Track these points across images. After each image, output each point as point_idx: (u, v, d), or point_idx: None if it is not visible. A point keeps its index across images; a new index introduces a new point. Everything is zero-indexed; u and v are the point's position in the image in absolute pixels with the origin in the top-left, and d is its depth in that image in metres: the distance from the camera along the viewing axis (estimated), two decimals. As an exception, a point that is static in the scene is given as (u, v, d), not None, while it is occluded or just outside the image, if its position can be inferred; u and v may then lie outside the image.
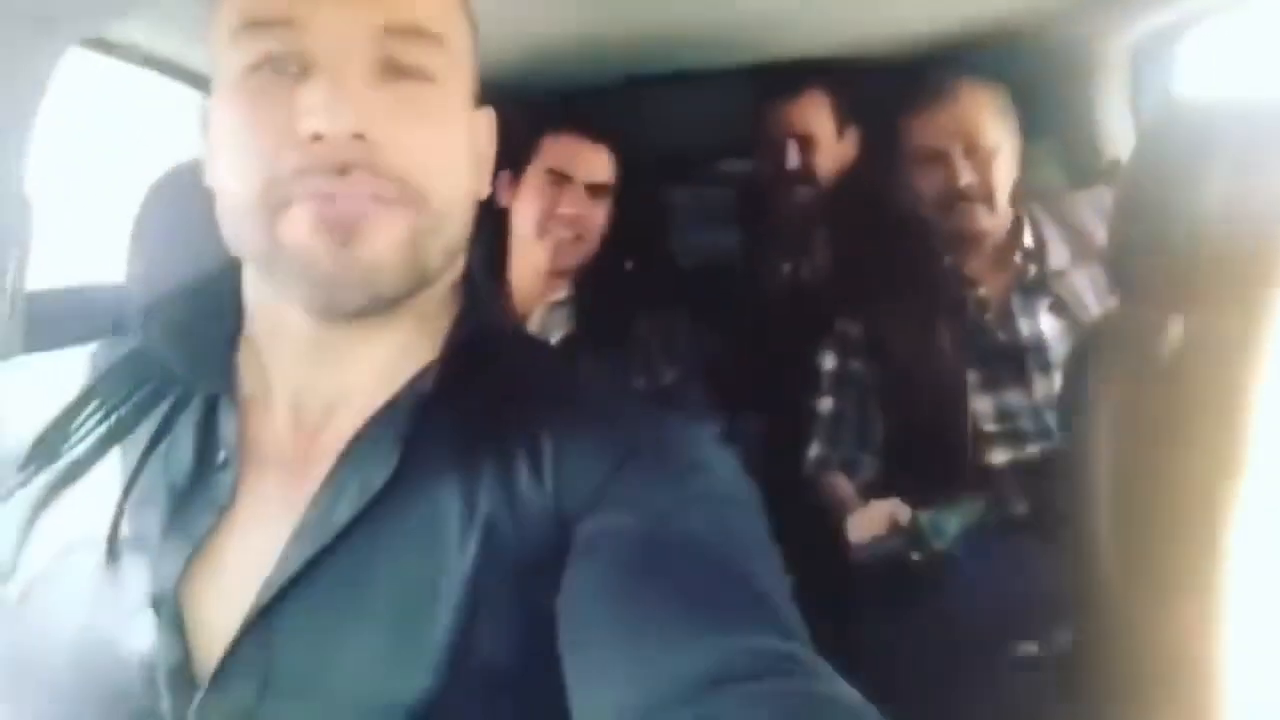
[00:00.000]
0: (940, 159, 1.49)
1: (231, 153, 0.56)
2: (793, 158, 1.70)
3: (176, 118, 1.40)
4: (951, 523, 1.29)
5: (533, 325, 1.50)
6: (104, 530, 0.55)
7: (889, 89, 1.60)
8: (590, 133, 1.49)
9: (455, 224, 0.60)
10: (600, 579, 0.50)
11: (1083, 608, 1.16)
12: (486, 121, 0.67)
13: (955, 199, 1.49)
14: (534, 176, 1.48)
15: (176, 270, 0.74)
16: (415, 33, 0.57)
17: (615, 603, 0.48)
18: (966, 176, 1.48)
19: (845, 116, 1.73)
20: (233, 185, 0.56)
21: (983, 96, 1.51)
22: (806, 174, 1.72)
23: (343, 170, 0.53)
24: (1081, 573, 1.15)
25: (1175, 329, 1.05)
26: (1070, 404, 1.20)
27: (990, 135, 1.49)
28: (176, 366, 0.61)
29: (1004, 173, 1.51)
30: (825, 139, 1.72)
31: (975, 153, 1.48)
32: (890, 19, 1.61)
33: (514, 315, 1.50)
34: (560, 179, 1.47)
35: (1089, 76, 1.74)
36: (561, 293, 1.52)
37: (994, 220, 1.52)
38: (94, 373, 0.64)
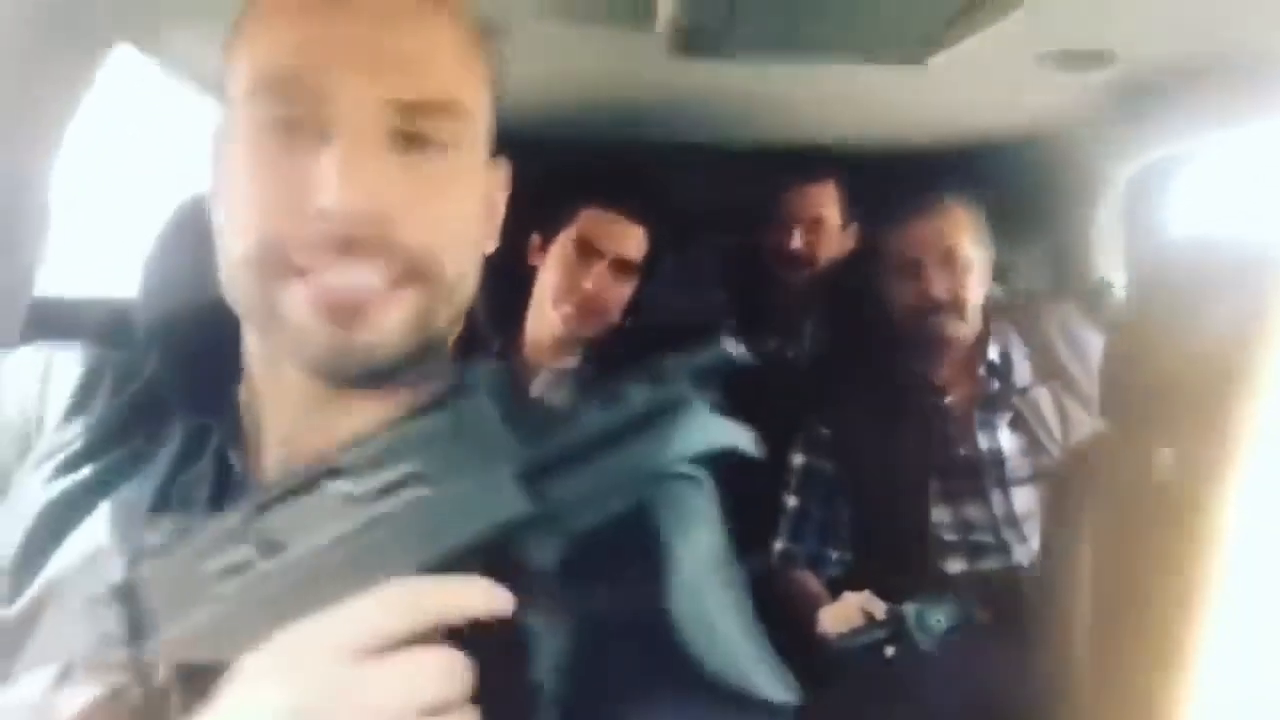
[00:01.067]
0: (915, 268, 1.52)
1: (237, 208, 0.54)
2: (797, 239, 1.73)
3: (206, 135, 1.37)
4: (938, 619, 1.25)
5: (536, 388, 1.47)
6: (125, 549, 0.53)
7: (892, 190, 1.64)
8: (629, 211, 1.46)
9: (466, 289, 0.59)
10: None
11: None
12: (501, 170, 0.65)
13: (927, 307, 1.51)
14: (563, 244, 1.46)
15: (191, 295, 0.72)
16: (439, 106, 0.54)
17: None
18: (940, 286, 1.50)
19: (851, 210, 1.77)
20: (235, 240, 0.54)
21: (962, 214, 1.54)
22: (808, 257, 1.74)
23: (353, 249, 0.51)
24: (1053, 689, 1.15)
25: (1166, 458, 1.08)
26: (1052, 524, 1.22)
27: (965, 249, 1.51)
28: (175, 396, 0.59)
29: (976, 286, 1.53)
30: (831, 227, 1.75)
31: (950, 264, 1.51)
32: (899, 119, 1.66)
33: (522, 371, 1.49)
34: (589, 250, 1.45)
35: (1086, 192, 1.79)
36: (571, 361, 1.49)
37: (963, 330, 1.54)
38: (93, 376, 0.62)
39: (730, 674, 0.41)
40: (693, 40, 1.11)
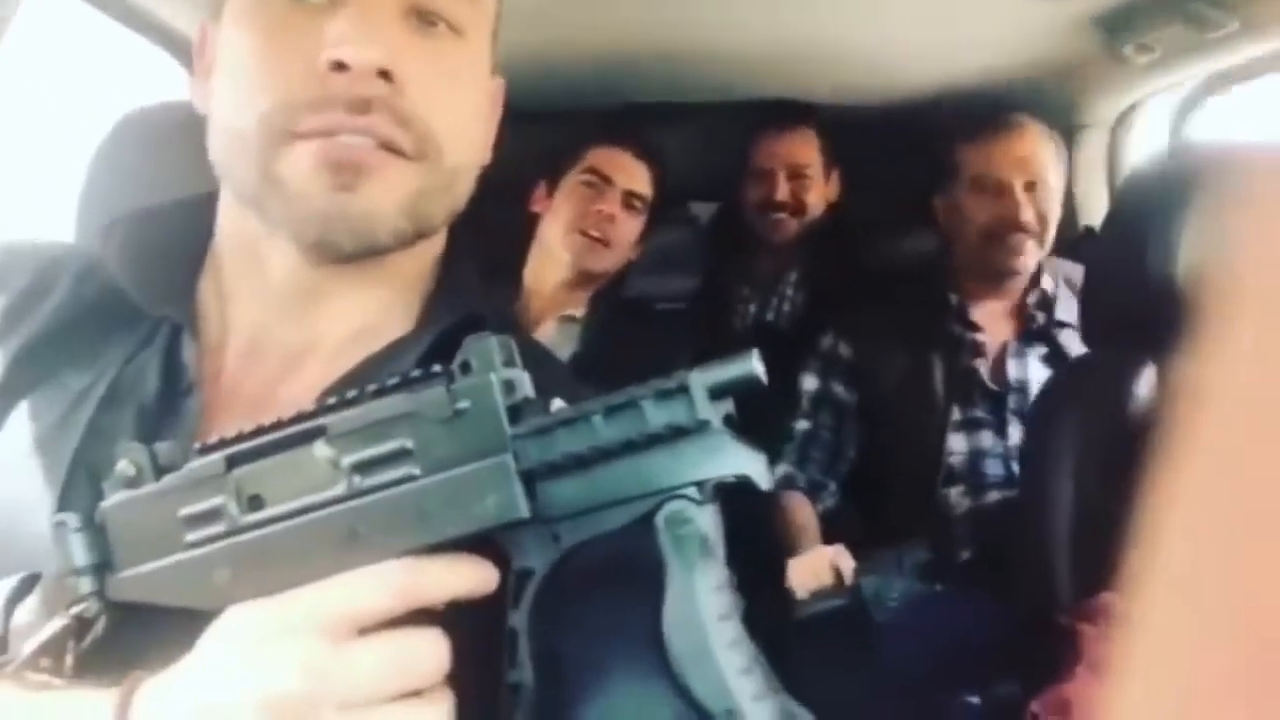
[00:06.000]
0: (1002, 190, 1.47)
1: (238, 76, 0.54)
2: (782, 188, 1.70)
3: (129, 72, 1.35)
4: (893, 597, 1.31)
5: (541, 337, 1.45)
6: (70, 439, 0.53)
7: (874, 137, 1.61)
8: (636, 148, 1.52)
9: (463, 185, 0.59)
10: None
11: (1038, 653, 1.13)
12: (498, 90, 0.66)
13: (1010, 230, 1.47)
14: (573, 179, 1.50)
15: (138, 200, 0.70)
16: None
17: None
18: (1028, 211, 1.46)
19: (831, 158, 1.75)
20: (234, 111, 0.54)
21: (1044, 135, 1.51)
22: (796, 205, 1.71)
23: (362, 107, 0.52)
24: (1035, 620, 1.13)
25: (1148, 374, 1.06)
26: (1036, 448, 1.20)
27: (1053, 173, 1.49)
28: (131, 287, 0.58)
29: (1056, 214, 1.50)
30: (814, 175, 1.73)
31: (1036, 189, 1.47)
32: (877, 70, 1.65)
33: (523, 320, 1.49)
34: (601, 179, 1.49)
35: (1067, 143, 1.77)
36: (578, 309, 1.50)
37: (1035, 259, 1.51)
38: (51, 269, 0.61)
39: (719, 708, 0.39)
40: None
